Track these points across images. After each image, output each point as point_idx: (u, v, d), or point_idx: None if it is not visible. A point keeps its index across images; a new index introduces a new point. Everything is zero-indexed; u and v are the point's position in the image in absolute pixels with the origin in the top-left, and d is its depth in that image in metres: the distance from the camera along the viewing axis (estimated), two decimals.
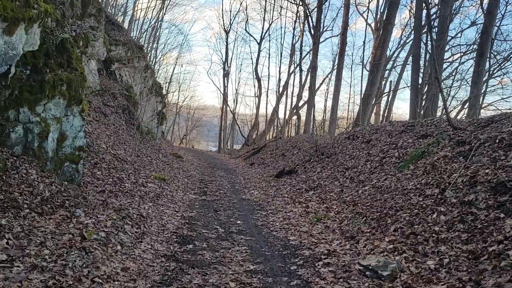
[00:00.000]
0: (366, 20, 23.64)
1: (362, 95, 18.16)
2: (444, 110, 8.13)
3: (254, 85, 30.79)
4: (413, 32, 18.10)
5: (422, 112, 16.99)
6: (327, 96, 17.86)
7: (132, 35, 23.03)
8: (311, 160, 11.59)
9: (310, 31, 25.50)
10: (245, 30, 39.88)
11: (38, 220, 4.29)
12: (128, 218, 5.41)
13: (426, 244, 4.36)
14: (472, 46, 18.58)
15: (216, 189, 10.68)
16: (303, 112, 28.85)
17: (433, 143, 7.39)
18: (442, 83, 17.39)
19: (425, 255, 4.20)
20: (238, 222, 6.73)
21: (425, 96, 15.00)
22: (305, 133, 22.92)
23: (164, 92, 26.11)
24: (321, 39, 22.82)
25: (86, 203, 5.38)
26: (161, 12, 28.81)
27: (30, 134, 5.56)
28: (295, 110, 29.61)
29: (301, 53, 26.70)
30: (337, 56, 19.33)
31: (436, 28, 15.61)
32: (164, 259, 4.47)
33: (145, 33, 28.79)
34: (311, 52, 25.39)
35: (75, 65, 6.31)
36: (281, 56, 25.83)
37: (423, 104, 14.68)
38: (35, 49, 5.13)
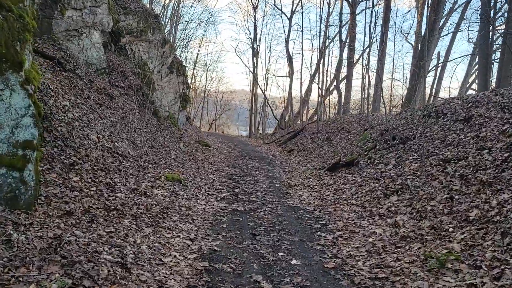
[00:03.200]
0: None
1: (412, 69, 14.85)
2: None
3: (288, 64, 27.50)
4: None
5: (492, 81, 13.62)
6: (367, 72, 14.41)
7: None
8: (377, 147, 8.59)
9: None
10: (274, 5, 36.20)
11: None
12: (88, 280, 2.77)
13: None
14: None
15: (251, 189, 7.97)
16: (342, 91, 25.51)
17: None
18: None
19: None
20: (293, 262, 3.96)
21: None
22: (344, 112, 19.84)
23: (188, 72, 23.57)
24: (360, 9, 19.43)
25: (7, 252, 2.79)
26: None
27: None
28: (333, 86, 26.26)
29: (340, 21, 23.27)
30: (381, 25, 15.69)
31: None
32: None
33: (165, 10, 26.06)
34: (348, 23, 21.90)
35: (7, 3, 3.67)
36: (320, 23, 21.98)
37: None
38: None
